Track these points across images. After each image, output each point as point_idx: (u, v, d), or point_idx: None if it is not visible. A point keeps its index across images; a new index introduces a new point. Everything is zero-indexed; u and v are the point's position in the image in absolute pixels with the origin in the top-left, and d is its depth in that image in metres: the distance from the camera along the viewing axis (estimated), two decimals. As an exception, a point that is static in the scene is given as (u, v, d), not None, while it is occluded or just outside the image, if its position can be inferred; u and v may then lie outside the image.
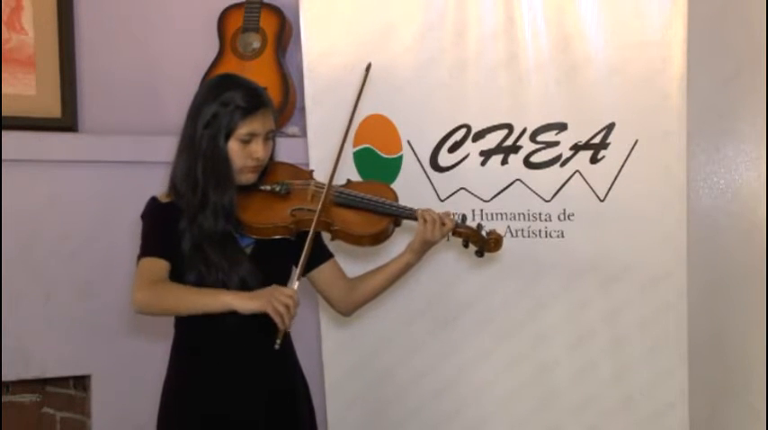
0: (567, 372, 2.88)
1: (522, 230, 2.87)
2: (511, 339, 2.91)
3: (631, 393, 2.84)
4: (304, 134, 3.09)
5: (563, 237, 2.84)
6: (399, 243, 2.60)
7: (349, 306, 2.56)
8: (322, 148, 2.97)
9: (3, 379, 3.09)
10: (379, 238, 2.46)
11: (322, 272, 2.52)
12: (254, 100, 2.37)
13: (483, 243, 2.47)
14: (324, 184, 2.45)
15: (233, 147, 2.37)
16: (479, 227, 2.47)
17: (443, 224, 2.42)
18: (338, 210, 2.44)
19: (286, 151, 3.01)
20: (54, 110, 3.21)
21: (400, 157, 2.94)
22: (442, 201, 2.90)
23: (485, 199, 2.88)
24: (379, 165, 2.95)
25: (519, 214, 2.87)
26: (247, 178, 2.41)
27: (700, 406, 2.90)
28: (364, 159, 2.97)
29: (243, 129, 2.36)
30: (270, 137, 2.41)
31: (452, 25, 2.89)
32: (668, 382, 2.81)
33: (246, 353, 2.40)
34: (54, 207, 3.16)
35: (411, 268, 2.51)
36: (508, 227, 2.87)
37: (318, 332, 3.10)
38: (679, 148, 2.76)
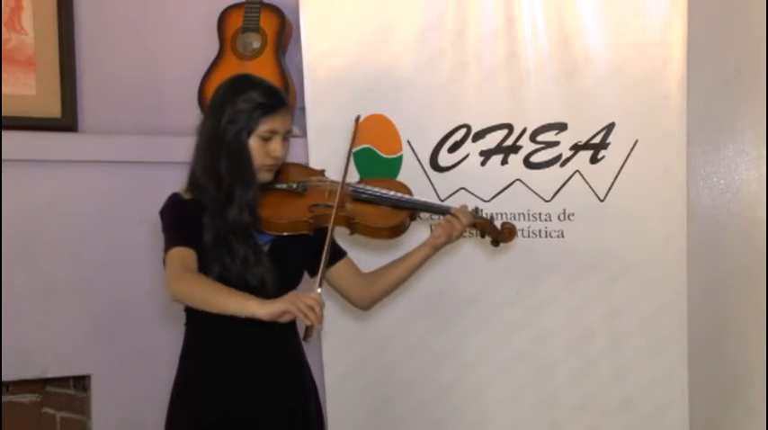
0: (567, 372, 2.88)
1: (523, 230, 2.86)
2: (511, 339, 2.91)
3: (631, 393, 2.84)
4: (304, 134, 3.08)
5: (563, 236, 2.85)
6: (416, 237, 2.63)
7: (367, 300, 2.58)
8: (322, 148, 2.98)
9: (3, 379, 3.08)
10: (397, 231, 2.51)
11: (337, 270, 2.54)
12: (275, 98, 2.41)
13: (497, 233, 2.53)
14: (339, 182, 2.49)
15: (253, 144, 2.39)
16: (492, 218, 2.55)
17: (460, 218, 2.48)
18: (356, 205, 2.49)
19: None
20: (54, 110, 3.19)
21: (400, 157, 2.95)
22: (441, 200, 2.90)
23: (485, 199, 2.89)
24: (379, 165, 2.96)
25: (519, 214, 2.87)
26: (264, 177, 2.43)
27: (699, 406, 2.90)
28: (364, 159, 2.97)
29: (264, 127, 2.38)
30: (287, 137, 2.44)
31: (452, 25, 2.90)
32: (668, 382, 2.82)
33: (258, 356, 2.41)
34: (54, 207, 3.15)
35: (427, 261, 2.55)
36: (508, 227, 2.88)
37: (318, 333, 3.06)
38: (679, 148, 2.77)
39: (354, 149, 2.94)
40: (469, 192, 2.90)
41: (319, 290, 2.29)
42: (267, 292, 2.36)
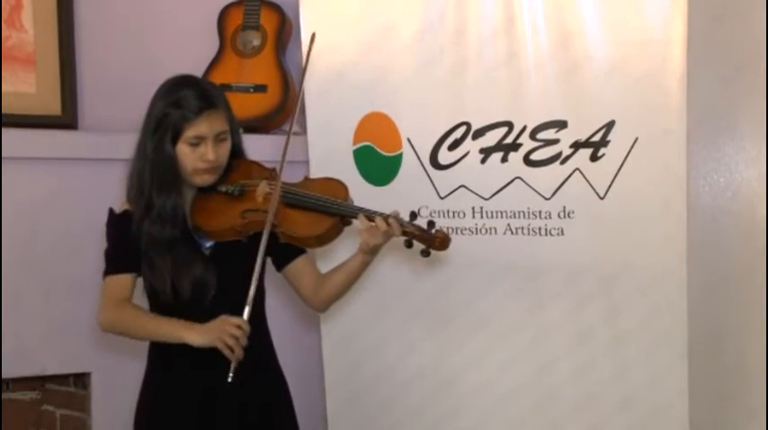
0: (566, 371, 2.86)
1: (522, 228, 2.86)
2: (510, 338, 2.90)
3: (631, 392, 2.82)
4: (304, 132, 3.08)
5: (563, 235, 2.83)
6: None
7: (318, 302, 2.54)
8: (322, 146, 2.97)
9: (3, 376, 3.07)
10: (323, 239, 2.41)
11: (295, 266, 2.51)
12: (200, 102, 2.33)
13: (430, 241, 2.37)
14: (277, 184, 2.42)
15: (182, 149, 2.35)
16: (430, 224, 2.39)
17: (387, 225, 2.36)
18: (286, 211, 2.40)
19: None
20: (54, 107, 3.19)
21: (400, 155, 2.94)
22: (441, 198, 2.90)
23: (485, 197, 2.87)
24: (378, 162, 2.95)
25: (519, 212, 2.86)
26: (203, 179, 2.39)
27: (699, 405, 2.88)
28: (364, 157, 2.96)
29: (189, 132, 2.33)
30: (222, 138, 2.38)
31: (452, 23, 2.88)
32: (668, 381, 2.80)
33: (213, 354, 2.37)
34: (54, 204, 3.14)
35: (369, 265, 2.45)
36: (508, 225, 2.86)
37: (318, 331, 3.09)
38: (679, 147, 2.75)
39: (354, 147, 2.97)
40: (469, 189, 2.89)
41: (247, 310, 2.29)
42: (206, 301, 2.34)
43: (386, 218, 2.36)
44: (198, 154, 2.35)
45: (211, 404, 2.39)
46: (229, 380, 2.25)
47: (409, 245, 2.39)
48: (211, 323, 2.28)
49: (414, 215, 2.43)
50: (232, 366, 2.26)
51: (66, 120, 3.20)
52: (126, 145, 3.16)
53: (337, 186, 2.48)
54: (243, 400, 2.40)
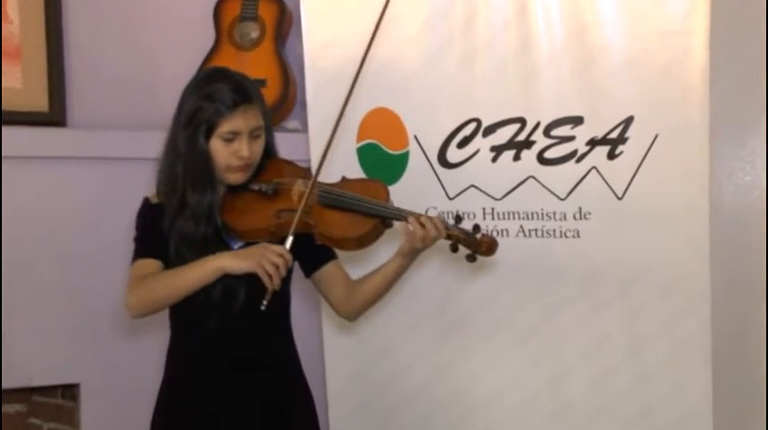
0: (582, 380, 2.82)
1: (536, 230, 2.81)
2: (523, 345, 2.86)
3: (652, 400, 2.78)
4: (305, 129, 3.05)
5: (579, 236, 2.79)
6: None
7: (349, 310, 2.50)
8: (324, 144, 2.89)
9: (-13, 388, 3.06)
10: (363, 242, 2.36)
11: (323, 273, 2.47)
12: (235, 96, 2.31)
13: (476, 246, 2.34)
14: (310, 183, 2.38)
15: (216, 145, 2.32)
16: (476, 228, 2.37)
17: (436, 229, 2.32)
18: (323, 212, 2.36)
19: (287, 147, 2.95)
20: (41, 103, 3.15)
21: (407, 153, 2.90)
22: (450, 199, 2.86)
23: (496, 197, 2.83)
24: (384, 161, 2.91)
25: (532, 213, 2.82)
26: (236, 177, 2.36)
27: (723, 413, 2.83)
28: (369, 155, 2.93)
29: (224, 128, 2.31)
30: (257, 134, 2.35)
31: (461, 14, 2.85)
32: (690, 389, 2.76)
33: (236, 358, 2.36)
34: (41, 206, 3.11)
35: (406, 270, 2.44)
36: (521, 226, 2.82)
37: (321, 338, 3.06)
38: (701, 143, 2.71)
39: (358, 145, 2.94)
40: (480, 189, 2.84)
41: (290, 239, 2.25)
42: (234, 307, 2.31)
43: (430, 220, 2.34)
44: (231, 150, 2.32)
45: (231, 405, 2.36)
46: (262, 307, 2.20)
47: (455, 249, 2.37)
48: (251, 248, 2.26)
49: (459, 218, 2.40)
50: (268, 294, 2.21)
51: (54, 116, 3.17)
52: (117, 143, 3.23)
53: (378, 187, 2.44)
54: (264, 401, 2.38)
